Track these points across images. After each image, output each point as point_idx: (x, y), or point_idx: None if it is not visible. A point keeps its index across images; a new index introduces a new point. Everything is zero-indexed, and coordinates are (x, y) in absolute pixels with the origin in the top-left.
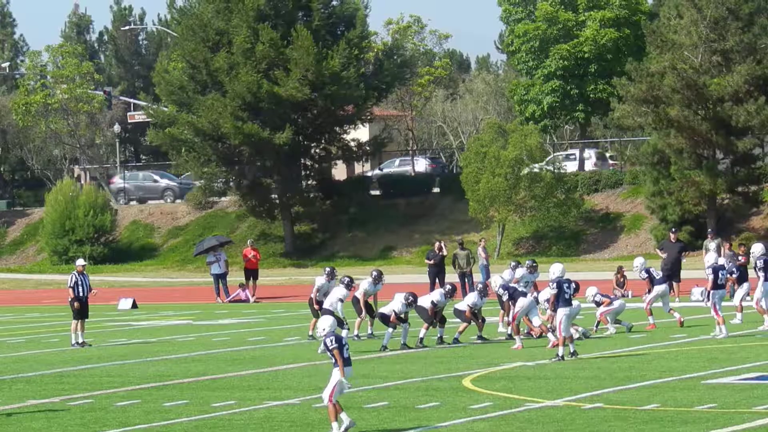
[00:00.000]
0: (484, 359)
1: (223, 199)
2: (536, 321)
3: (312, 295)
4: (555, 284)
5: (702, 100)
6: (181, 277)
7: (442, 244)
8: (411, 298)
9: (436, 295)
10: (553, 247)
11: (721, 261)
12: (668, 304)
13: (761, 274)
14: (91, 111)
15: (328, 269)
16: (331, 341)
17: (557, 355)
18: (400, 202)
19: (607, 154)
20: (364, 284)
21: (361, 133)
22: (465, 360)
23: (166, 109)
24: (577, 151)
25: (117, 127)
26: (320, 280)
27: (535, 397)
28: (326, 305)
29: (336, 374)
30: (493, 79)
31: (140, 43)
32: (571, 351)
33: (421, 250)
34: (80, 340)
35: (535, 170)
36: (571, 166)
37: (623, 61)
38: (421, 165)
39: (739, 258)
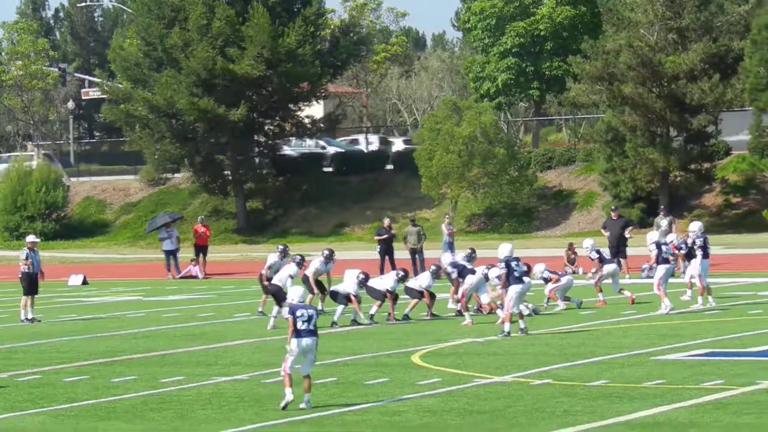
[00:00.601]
0: (434, 335)
1: (176, 175)
2: (485, 298)
3: (263, 272)
4: (503, 264)
5: (657, 77)
6: (132, 253)
7: (390, 222)
8: (362, 276)
9: (390, 282)
10: (506, 224)
11: (672, 237)
12: (618, 284)
13: (699, 252)
14: (46, 87)
15: (281, 247)
16: (286, 311)
17: (504, 331)
18: (353, 179)
19: None
20: (315, 263)
21: (315, 110)
22: (414, 336)
23: (120, 85)
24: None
25: (71, 104)
26: (273, 257)
27: (484, 373)
28: (275, 281)
29: (290, 344)
30: (449, 56)
31: (96, 19)
32: (521, 327)
33: (373, 226)
34: (29, 316)
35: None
36: None
37: (579, 39)
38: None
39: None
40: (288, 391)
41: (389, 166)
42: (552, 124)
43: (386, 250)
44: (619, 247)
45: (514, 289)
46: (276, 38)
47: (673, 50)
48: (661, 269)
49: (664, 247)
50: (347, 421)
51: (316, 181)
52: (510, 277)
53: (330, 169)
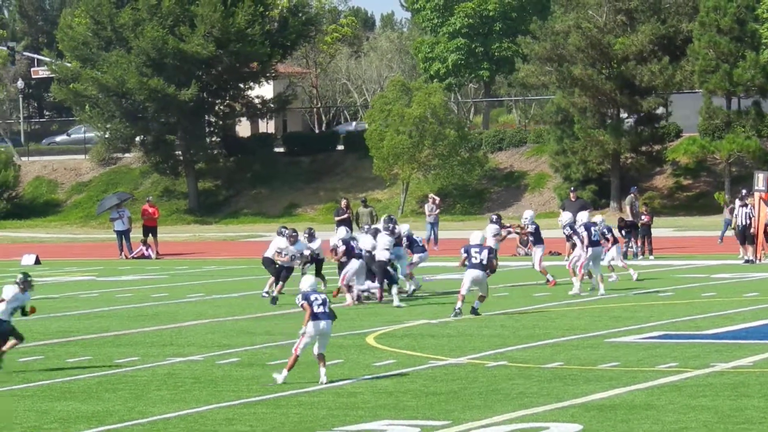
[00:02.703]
0: (388, 317)
1: (126, 155)
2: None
3: (270, 255)
4: (463, 249)
5: (606, 59)
6: (84, 233)
7: (348, 202)
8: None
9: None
10: (457, 205)
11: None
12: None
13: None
14: None
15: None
16: (299, 299)
17: (455, 309)
18: (304, 160)
19: None
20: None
21: (265, 90)
22: (369, 317)
23: (69, 65)
24: None
25: (20, 83)
26: (281, 241)
27: (439, 355)
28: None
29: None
30: (398, 36)
31: None
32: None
33: (325, 207)
34: None
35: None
36: None
37: (528, 20)
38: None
39: (642, 217)
40: (285, 373)
41: (340, 147)
42: (502, 106)
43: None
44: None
45: (470, 274)
46: (226, 18)
47: (622, 32)
48: (590, 251)
49: (593, 229)
50: (303, 402)
51: (268, 161)
52: (467, 263)
53: (281, 150)
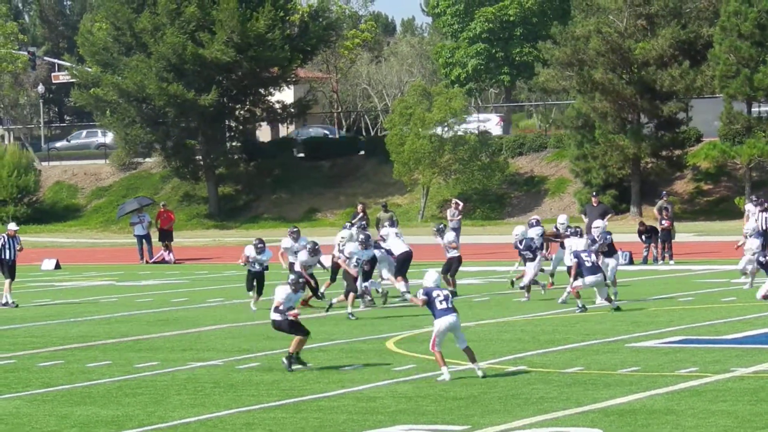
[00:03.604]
0: (409, 321)
1: (147, 160)
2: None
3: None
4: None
5: (626, 64)
6: (104, 238)
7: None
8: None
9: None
10: (478, 210)
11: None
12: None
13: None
14: (15, 71)
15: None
16: (420, 293)
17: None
18: (324, 164)
19: None
20: (302, 256)
21: (286, 95)
22: (389, 322)
23: (90, 69)
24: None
25: (41, 88)
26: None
27: (459, 360)
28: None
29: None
30: (418, 41)
31: (65, 3)
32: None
33: (345, 212)
34: (9, 300)
35: (460, 133)
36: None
37: (548, 25)
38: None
39: (663, 222)
40: (444, 369)
41: (361, 152)
42: (522, 110)
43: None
44: None
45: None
46: (245, 23)
47: (643, 36)
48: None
49: (583, 256)
50: (323, 407)
51: (288, 166)
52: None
53: (301, 155)
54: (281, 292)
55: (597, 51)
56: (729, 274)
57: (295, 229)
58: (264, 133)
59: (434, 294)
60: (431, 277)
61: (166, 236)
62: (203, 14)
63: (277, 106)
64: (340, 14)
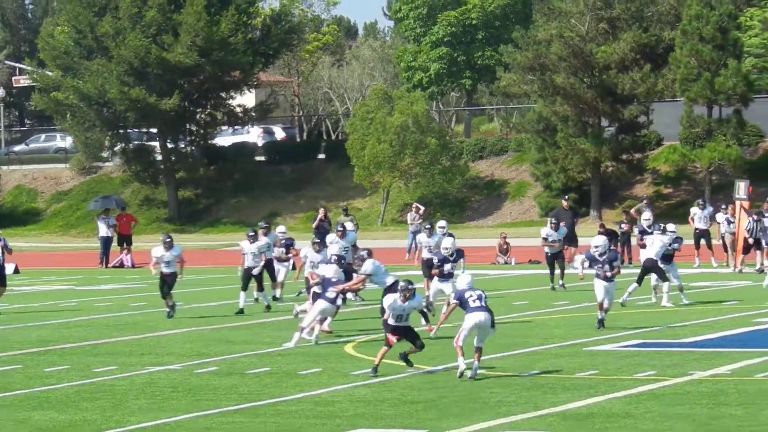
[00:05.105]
0: (367, 325)
1: (107, 164)
2: None
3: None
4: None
5: (588, 67)
6: (64, 242)
7: (326, 211)
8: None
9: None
10: (438, 214)
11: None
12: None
13: None
14: None
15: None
16: (453, 296)
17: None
18: (285, 168)
19: None
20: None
21: (247, 99)
22: (347, 326)
23: (51, 74)
24: None
25: (1, 92)
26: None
27: (417, 363)
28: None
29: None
30: (381, 45)
31: (26, 7)
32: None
33: (306, 216)
34: None
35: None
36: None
37: (510, 29)
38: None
39: (622, 225)
40: (460, 360)
41: (321, 156)
42: (484, 114)
43: (322, 239)
44: (570, 237)
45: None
46: (209, 26)
47: (604, 40)
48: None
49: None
50: (281, 411)
51: (248, 170)
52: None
53: (262, 159)
54: (388, 300)
55: (558, 55)
56: (687, 277)
57: (266, 225)
58: (225, 138)
59: (467, 295)
60: (464, 279)
61: (125, 240)
62: (164, 18)
63: (238, 110)
64: (303, 18)
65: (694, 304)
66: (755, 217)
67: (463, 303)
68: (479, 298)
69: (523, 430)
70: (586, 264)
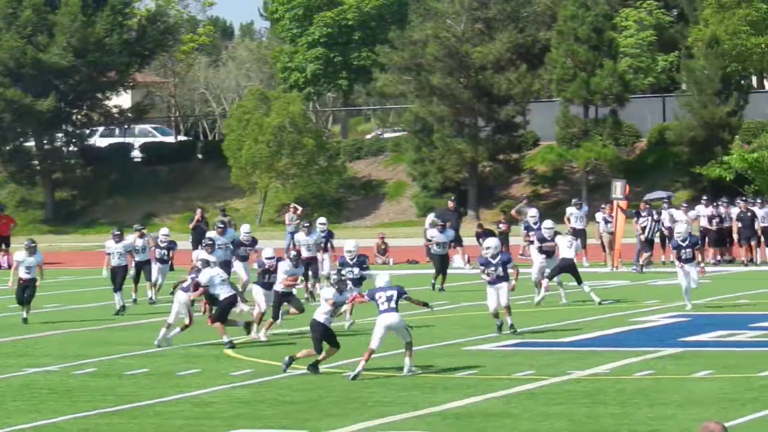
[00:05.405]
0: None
1: None
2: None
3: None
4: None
5: (464, 68)
6: None
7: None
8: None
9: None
10: (315, 214)
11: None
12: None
13: None
14: None
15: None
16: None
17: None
18: (162, 169)
19: None
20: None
21: (123, 100)
22: (228, 328)
23: None
24: None
25: None
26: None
27: (296, 364)
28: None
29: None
30: (257, 46)
31: None
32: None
33: (182, 216)
34: None
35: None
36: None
37: (387, 29)
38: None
39: (500, 225)
40: (362, 364)
41: (198, 156)
42: (361, 115)
43: (198, 240)
44: (457, 237)
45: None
46: (85, 27)
47: (480, 41)
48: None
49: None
50: (159, 412)
51: (125, 171)
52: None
53: (138, 159)
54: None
55: (435, 56)
56: (565, 277)
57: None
58: (102, 138)
59: (377, 295)
60: (382, 278)
61: (3, 241)
62: (39, 19)
63: (114, 110)
64: (179, 18)
65: (572, 304)
66: (654, 216)
67: (374, 301)
68: (389, 299)
69: (402, 430)
70: (490, 268)
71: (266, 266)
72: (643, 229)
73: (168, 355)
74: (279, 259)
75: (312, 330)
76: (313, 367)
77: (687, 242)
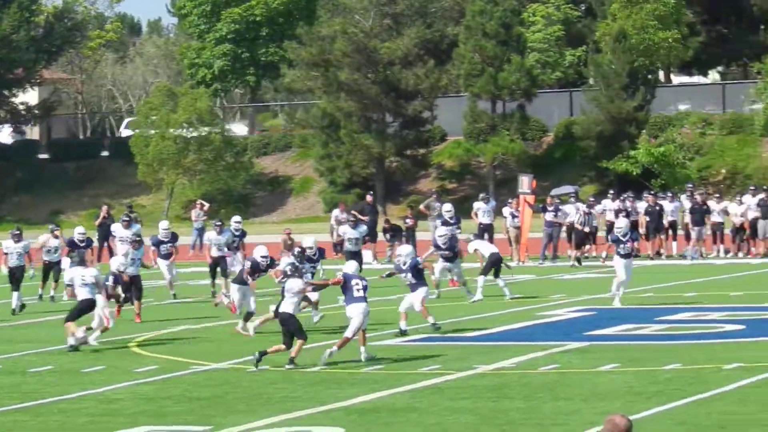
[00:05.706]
0: (151, 324)
1: None
2: None
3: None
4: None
5: (372, 63)
6: None
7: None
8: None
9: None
10: (222, 210)
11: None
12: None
13: None
14: None
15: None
16: (339, 274)
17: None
18: (69, 166)
19: None
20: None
21: (30, 97)
22: (131, 324)
23: None
24: None
25: None
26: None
27: (201, 360)
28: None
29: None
30: (164, 42)
31: None
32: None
33: (89, 213)
34: None
35: (204, 134)
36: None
37: (295, 25)
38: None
39: (407, 221)
40: (333, 349)
41: (105, 153)
42: (268, 110)
43: (105, 236)
44: (372, 233)
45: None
46: None
47: (389, 36)
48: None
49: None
50: (64, 409)
51: (31, 168)
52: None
53: (45, 156)
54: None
55: (343, 51)
56: (472, 272)
57: (56, 227)
58: (7, 135)
59: (353, 282)
60: (352, 266)
61: None
62: None
63: (21, 107)
64: (86, 15)
65: (461, 300)
66: (585, 210)
67: (346, 286)
68: (364, 288)
69: (308, 425)
70: (402, 276)
71: (261, 265)
72: (581, 224)
73: (72, 353)
74: (272, 259)
75: (284, 324)
76: (291, 362)
77: (627, 237)
